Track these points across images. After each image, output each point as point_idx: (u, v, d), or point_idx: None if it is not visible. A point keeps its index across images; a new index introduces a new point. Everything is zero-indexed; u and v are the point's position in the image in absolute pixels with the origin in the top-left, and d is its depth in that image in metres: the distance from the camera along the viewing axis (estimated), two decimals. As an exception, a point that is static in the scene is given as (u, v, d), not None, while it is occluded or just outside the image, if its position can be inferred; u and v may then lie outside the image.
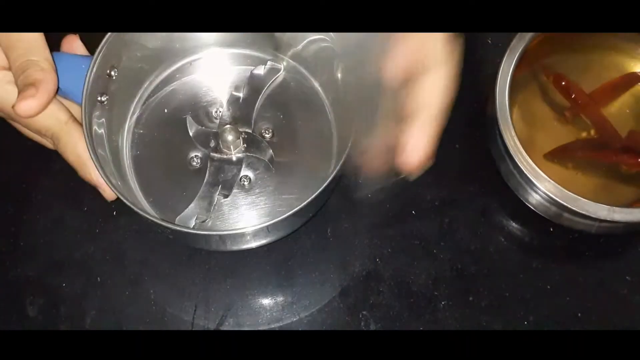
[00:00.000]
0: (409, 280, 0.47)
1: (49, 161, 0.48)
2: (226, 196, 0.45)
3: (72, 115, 0.41)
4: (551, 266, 0.47)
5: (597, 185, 0.47)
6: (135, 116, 0.48)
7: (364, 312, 0.46)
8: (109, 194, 0.40)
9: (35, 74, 0.39)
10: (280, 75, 0.49)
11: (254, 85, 0.48)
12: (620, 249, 0.48)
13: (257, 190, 0.46)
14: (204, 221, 0.44)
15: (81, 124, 0.41)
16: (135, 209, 0.38)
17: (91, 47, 0.42)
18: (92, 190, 0.44)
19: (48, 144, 0.43)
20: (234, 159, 0.46)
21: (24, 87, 0.38)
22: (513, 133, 0.43)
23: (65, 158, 0.41)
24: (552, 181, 0.42)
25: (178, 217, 0.44)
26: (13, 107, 0.38)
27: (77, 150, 0.40)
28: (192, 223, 0.44)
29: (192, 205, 0.44)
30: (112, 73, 0.44)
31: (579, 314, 0.46)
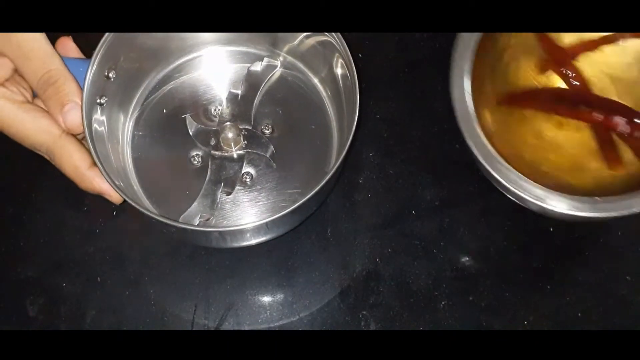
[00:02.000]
0: (409, 280, 0.47)
1: (49, 161, 0.48)
2: (229, 194, 0.45)
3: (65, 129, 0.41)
4: (551, 266, 0.47)
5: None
6: (134, 117, 0.48)
7: (364, 312, 0.46)
8: (115, 198, 0.40)
9: (66, 87, 0.39)
10: (278, 71, 0.49)
11: (251, 82, 0.48)
12: (621, 249, 0.48)
13: (259, 187, 0.46)
14: (207, 219, 0.44)
15: (75, 137, 0.41)
16: (141, 208, 0.38)
17: (89, 49, 0.42)
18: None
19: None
20: (235, 156, 0.46)
21: (63, 104, 0.39)
22: (478, 142, 0.41)
23: (63, 171, 0.41)
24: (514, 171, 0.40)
25: (182, 216, 0.44)
26: (68, 131, 0.39)
27: (73, 162, 0.40)
28: (196, 221, 0.44)
29: (195, 203, 0.44)
30: (111, 75, 0.44)
31: (579, 314, 0.46)
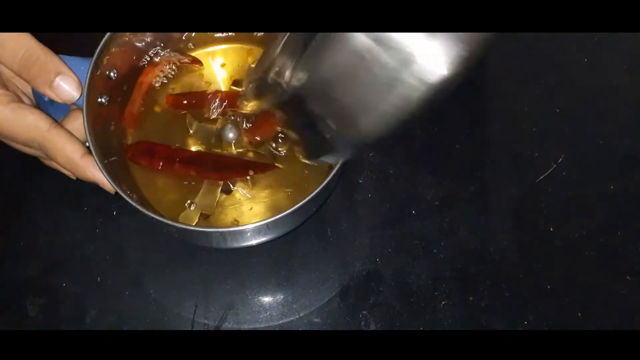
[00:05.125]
0: (409, 280, 0.47)
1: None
2: (228, 192, 0.45)
3: (53, 122, 0.41)
4: (551, 266, 0.47)
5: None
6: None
7: (364, 312, 0.46)
8: (110, 187, 0.41)
9: (50, 61, 0.39)
10: None
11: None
12: (620, 249, 0.48)
13: (260, 186, 0.46)
14: (207, 217, 0.44)
15: (64, 128, 0.41)
16: (141, 208, 0.38)
17: (90, 48, 0.42)
18: (92, 190, 0.44)
19: (44, 155, 0.43)
20: (235, 154, 0.46)
21: (51, 80, 0.39)
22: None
23: (58, 164, 0.41)
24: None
25: (181, 215, 0.44)
26: (65, 102, 0.39)
27: (65, 154, 0.40)
28: (196, 220, 0.44)
29: (195, 201, 0.44)
30: (112, 74, 0.44)
31: (579, 314, 0.46)
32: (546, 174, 0.50)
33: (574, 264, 0.48)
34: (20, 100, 0.41)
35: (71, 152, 0.40)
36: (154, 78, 0.47)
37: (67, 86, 0.39)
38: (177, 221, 0.42)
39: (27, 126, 0.40)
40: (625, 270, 0.47)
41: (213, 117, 0.47)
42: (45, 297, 0.46)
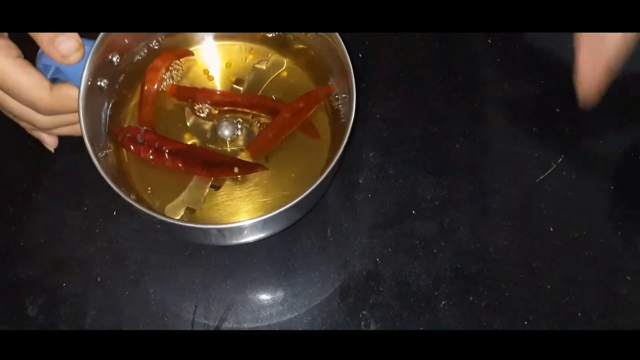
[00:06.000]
0: (409, 280, 0.47)
1: (49, 161, 0.48)
2: (217, 188, 0.45)
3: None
4: (551, 266, 0.47)
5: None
6: (133, 104, 0.47)
7: (364, 312, 0.46)
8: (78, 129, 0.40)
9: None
10: (283, 70, 0.49)
11: (255, 79, 0.48)
12: (621, 249, 0.48)
13: (251, 184, 0.46)
14: (194, 212, 0.44)
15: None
16: (133, 202, 0.38)
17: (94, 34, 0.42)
18: (92, 190, 0.44)
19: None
20: (229, 151, 0.46)
21: (56, 35, 0.39)
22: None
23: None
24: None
25: (167, 207, 0.44)
26: (64, 61, 0.40)
27: (68, 98, 0.41)
28: (181, 213, 0.44)
29: (182, 195, 0.44)
30: (114, 59, 0.44)
31: (579, 314, 0.46)
32: (546, 174, 0.50)
33: (574, 264, 0.48)
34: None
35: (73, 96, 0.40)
36: (161, 85, 0.47)
37: (68, 42, 0.40)
38: (173, 218, 0.42)
39: (34, 84, 0.40)
40: (625, 270, 0.47)
41: (204, 114, 0.47)
42: (45, 297, 0.46)
